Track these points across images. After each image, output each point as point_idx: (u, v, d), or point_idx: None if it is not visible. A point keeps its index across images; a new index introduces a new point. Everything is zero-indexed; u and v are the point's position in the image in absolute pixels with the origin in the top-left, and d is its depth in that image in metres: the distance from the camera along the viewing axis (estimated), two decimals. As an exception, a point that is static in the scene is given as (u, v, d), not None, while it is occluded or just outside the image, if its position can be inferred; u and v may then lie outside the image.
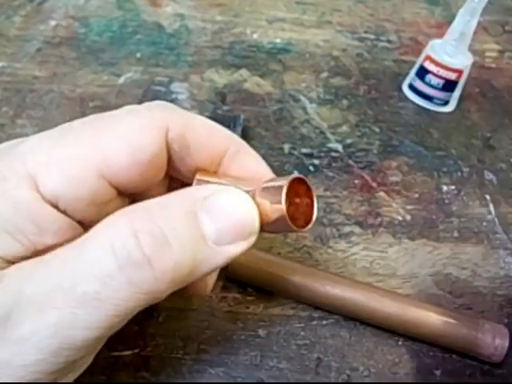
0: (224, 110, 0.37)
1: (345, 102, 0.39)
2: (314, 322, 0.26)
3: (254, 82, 0.39)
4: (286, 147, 0.35)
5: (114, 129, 0.18)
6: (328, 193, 0.32)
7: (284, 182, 0.18)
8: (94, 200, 0.18)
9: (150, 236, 0.16)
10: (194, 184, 0.20)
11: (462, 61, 0.37)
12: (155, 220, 0.17)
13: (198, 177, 0.20)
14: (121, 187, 0.19)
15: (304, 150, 0.35)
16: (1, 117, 0.34)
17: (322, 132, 0.36)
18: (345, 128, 0.37)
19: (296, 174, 0.19)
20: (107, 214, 0.18)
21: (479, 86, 0.41)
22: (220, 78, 0.39)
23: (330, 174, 0.33)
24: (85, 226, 0.18)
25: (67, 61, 0.39)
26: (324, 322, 0.26)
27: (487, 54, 0.44)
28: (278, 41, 0.43)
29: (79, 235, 0.17)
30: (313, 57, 0.42)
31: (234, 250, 0.18)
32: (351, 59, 0.42)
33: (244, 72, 0.40)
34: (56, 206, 0.18)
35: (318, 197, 0.32)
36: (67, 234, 0.18)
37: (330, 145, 0.35)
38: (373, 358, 0.25)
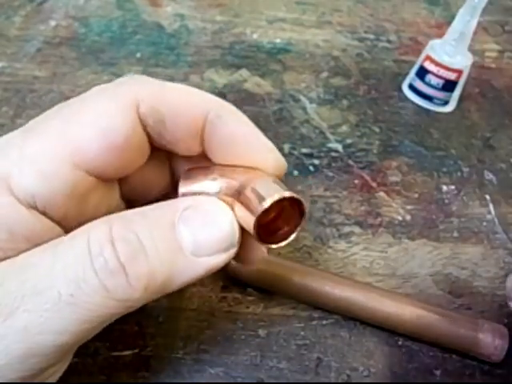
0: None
1: (345, 102, 0.39)
2: (314, 322, 0.26)
3: (253, 82, 0.39)
4: (286, 147, 0.35)
5: (81, 115, 0.18)
6: (328, 193, 0.32)
7: (268, 195, 0.17)
8: (73, 193, 0.17)
9: (126, 244, 0.16)
10: (180, 181, 0.19)
11: (462, 61, 0.37)
12: (133, 228, 0.16)
13: (183, 174, 0.20)
14: (101, 174, 0.18)
15: (304, 150, 0.35)
16: (1, 117, 0.34)
17: (321, 132, 0.36)
18: (345, 128, 0.37)
19: (289, 194, 0.18)
20: (92, 205, 0.18)
21: (479, 86, 0.41)
22: (220, 78, 0.39)
23: (330, 173, 0.33)
24: (67, 226, 0.18)
25: (67, 61, 0.39)
26: (324, 322, 0.26)
27: (487, 54, 0.44)
28: (277, 41, 0.43)
29: (57, 237, 0.17)
30: (313, 57, 0.42)
31: (214, 261, 0.18)
32: (351, 59, 0.42)
33: (244, 72, 0.40)
34: (35, 207, 0.17)
35: (318, 197, 0.32)
36: (45, 237, 0.17)
37: (330, 145, 0.35)
38: (373, 358, 0.25)
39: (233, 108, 0.19)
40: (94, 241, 0.16)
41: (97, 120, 0.17)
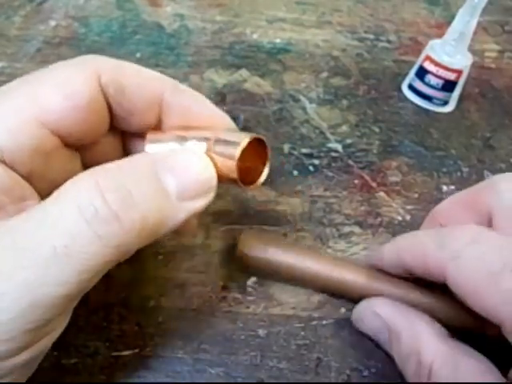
0: (224, 110, 0.36)
1: (345, 101, 0.39)
2: (314, 322, 0.26)
3: (253, 82, 0.39)
4: (286, 147, 0.35)
5: (47, 78, 0.19)
6: (328, 193, 0.32)
7: (239, 140, 0.20)
8: (38, 149, 0.19)
9: (116, 193, 0.17)
10: (146, 143, 0.21)
11: (462, 61, 0.37)
12: (120, 178, 0.17)
13: (148, 135, 0.21)
14: (64, 135, 0.19)
15: (304, 150, 0.35)
16: (1, 117, 0.34)
17: (321, 132, 0.36)
18: (345, 128, 0.37)
19: (255, 135, 0.21)
20: (55, 167, 0.20)
21: (479, 86, 0.41)
22: (220, 78, 0.39)
23: (330, 173, 0.33)
24: (33, 183, 0.19)
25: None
26: (324, 322, 0.26)
27: (487, 54, 0.44)
28: (277, 41, 0.43)
29: (29, 194, 0.18)
30: (313, 57, 0.42)
31: (196, 205, 0.19)
32: (351, 59, 0.42)
33: (244, 72, 0.40)
34: (3, 161, 0.18)
35: (318, 197, 0.32)
36: (15, 189, 0.18)
37: (330, 145, 0.35)
38: (373, 358, 0.25)
39: (180, 84, 0.22)
40: (82, 193, 0.17)
41: (62, 83, 0.19)
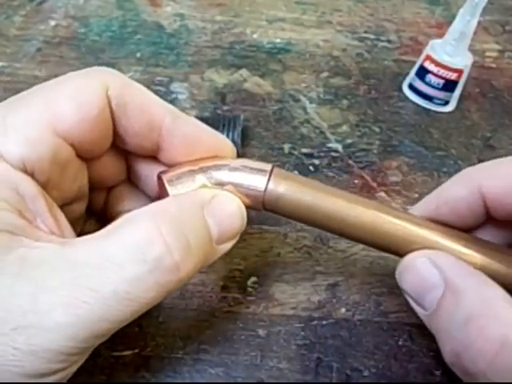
0: (224, 109, 0.37)
1: (345, 101, 0.39)
2: (314, 322, 0.26)
3: (253, 82, 0.39)
4: (286, 147, 0.35)
5: (61, 89, 0.20)
6: (328, 193, 0.32)
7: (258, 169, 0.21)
8: (55, 159, 0.19)
9: (179, 243, 0.18)
10: (165, 184, 0.21)
11: (462, 61, 0.37)
12: (180, 226, 0.18)
13: (164, 176, 0.21)
14: (76, 144, 0.20)
15: (304, 150, 0.35)
16: (1, 117, 0.34)
17: (322, 132, 0.36)
18: (345, 128, 0.37)
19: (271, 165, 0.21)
20: (68, 176, 0.20)
21: (479, 86, 0.41)
22: (220, 77, 0.39)
23: (330, 173, 0.33)
24: (49, 192, 0.20)
25: (67, 61, 0.39)
26: (324, 322, 0.26)
27: (487, 53, 0.44)
28: (278, 41, 0.43)
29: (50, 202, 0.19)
30: (313, 57, 0.42)
31: (228, 246, 0.21)
32: (351, 59, 0.42)
33: (244, 72, 0.40)
34: (25, 171, 0.19)
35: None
36: (36, 198, 0.19)
37: (330, 145, 0.35)
38: (373, 358, 0.25)
39: (183, 114, 0.22)
40: (143, 238, 0.17)
41: (75, 94, 0.20)
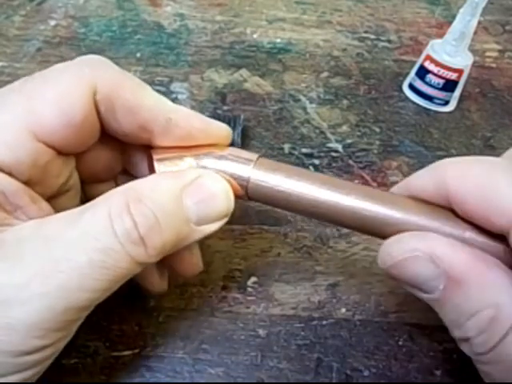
0: (224, 109, 0.37)
1: (345, 101, 0.39)
2: (314, 322, 0.26)
3: (253, 82, 0.39)
4: (286, 147, 0.35)
5: (43, 91, 0.19)
6: (328, 193, 0.32)
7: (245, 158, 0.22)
8: (35, 162, 0.19)
9: (143, 218, 0.18)
10: (154, 161, 0.21)
11: (463, 61, 0.37)
12: (147, 203, 0.19)
13: (154, 155, 0.22)
14: (58, 148, 0.20)
15: (304, 150, 0.35)
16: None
17: (322, 132, 0.36)
18: (345, 128, 0.37)
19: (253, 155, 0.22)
20: (53, 175, 0.20)
21: (479, 86, 0.41)
22: (220, 77, 0.39)
23: (330, 174, 0.33)
24: (33, 187, 0.20)
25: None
26: (324, 322, 0.26)
27: (487, 53, 0.44)
28: (278, 41, 0.43)
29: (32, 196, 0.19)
30: (313, 57, 0.42)
31: (210, 229, 0.21)
32: (351, 59, 0.42)
33: (244, 72, 0.40)
34: (2, 170, 0.19)
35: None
36: (22, 193, 0.19)
37: (330, 145, 0.35)
38: (373, 358, 0.25)
39: (179, 108, 0.22)
40: (114, 214, 0.18)
41: (58, 99, 0.19)
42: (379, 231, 0.21)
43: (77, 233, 0.18)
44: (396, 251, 0.19)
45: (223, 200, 0.21)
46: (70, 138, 0.20)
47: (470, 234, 0.19)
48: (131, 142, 0.22)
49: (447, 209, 0.20)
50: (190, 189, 0.20)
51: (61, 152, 0.20)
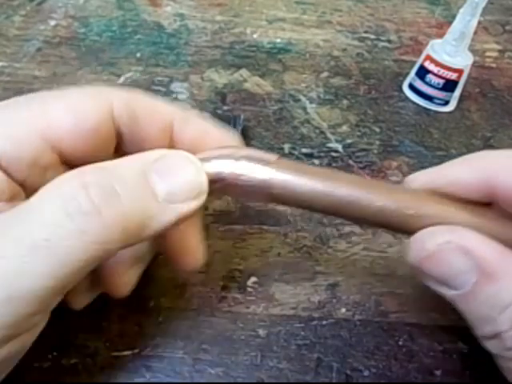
0: (224, 109, 0.37)
1: (345, 101, 0.39)
2: (314, 322, 0.26)
3: (253, 82, 0.39)
4: (286, 147, 0.35)
5: (61, 98, 0.20)
6: (328, 193, 0.32)
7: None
8: (36, 162, 0.19)
9: (99, 187, 0.17)
10: None
11: (463, 60, 0.37)
12: (106, 175, 0.18)
13: None
14: (64, 154, 0.20)
15: (304, 150, 0.35)
16: (1, 117, 0.34)
17: (322, 132, 0.36)
18: (345, 128, 0.37)
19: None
20: (50, 180, 0.19)
21: (479, 86, 0.41)
22: (220, 77, 0.39)
23: (330, 173, 0.33)
24: (27, 190, 0.19)
25: (67, 61, 0.39)
26: (324, 322, 0.26)
27: (487, 53, 0.44)
28: (278, 41, 0.43)
29: (21, 199, 0.19)
30: (313, 57, 0.42)
31: (186, 208, 0.19)
32: (351, 59, 0.42)
33: (244, 72, 0.40)
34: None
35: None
36: (5, 191, 0.19)
37: (330, 145, 0.35)
38: (373, 358, 0.25)
39: (192, 112, 0.23)
40: (66, 188, 0.17)
41: (74, 106, 0.19)
42: (407, 227, 0.20)
43: (23, 214, 0.17)
44: (430, 243, 0.19)
45: (193, 175, 0.19)
46: (79, 146, 0.20)
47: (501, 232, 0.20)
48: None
49: (468, 202, 0.20)
50: (157, 164, 0.19)
51: (66, 161, 0.20)
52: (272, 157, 0.21)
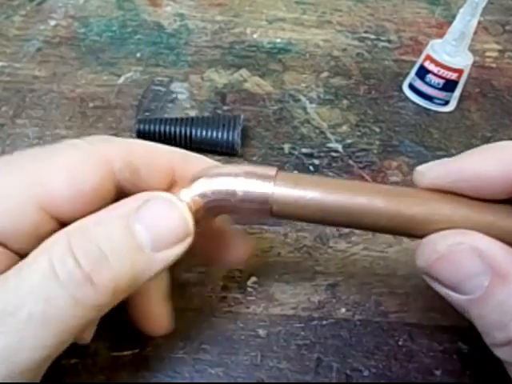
0: (224, 109, 0.37)
1: (345, 101, 0.39)
2: (314, 322, 0.26)
3: (254, 82, 0.39)
4: (286, 147, 0.35)
5: (54, 161, 0.19)
6: (328, 193, 0.32)
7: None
8: (35, 232, 0.18)
9: (86, 254, 0.17)
10: None
11: (463, 60, 0.37)
12: (91, 237, 0.17)
13: None
14: (63, 219, 0.19)
15: (304, 150, 0.35)
16: (1, 117, 0.34)
17: (322, 132, 0.36)
18: (345, 128, 0.37)
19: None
20: None
21: (479, 86, 0.41)
22: (220, 77, 0.39)
23: (330, 174, 0.33)
24: (23, 256, 0.18)
25: (67, 61, 0.39)
26: (324, 322, 0.26)
27: (487, 53, 0.44)
28: (278, 41, 0.43)
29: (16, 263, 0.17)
30: (313, 57, 0.42)
31: (173, 253, 0.18)
32: (351, 59, 0.42)
33: (244, 72, 0.40)
34: None
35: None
36: (3, 264, 0.18)
37: (330, 145, 0.35)
38: (373, 358, 0.25)
39: (189, 153, 0.22)
40: (55, 256, 0.16)
41: (69, 169, 0.18)
42: (415, 233, 0.20)
43: (13, 285, 0.16)
44: (441, 245, 0.19)
45: (177, 219, 0.19)
46: (77, 209, 0.19)
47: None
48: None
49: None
50: (139, 214, 0.18)
51: (64, 222, 0.19)
52: (271, 171, 0.20)
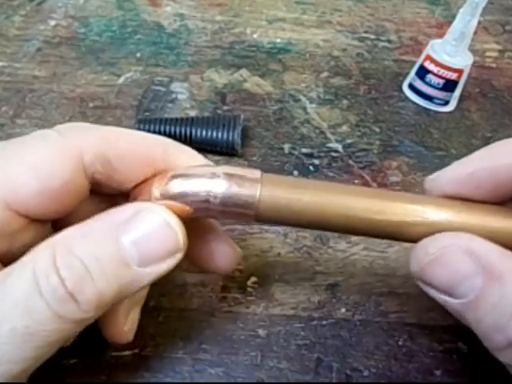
0: (224, 109, 0.37)
1: (345, 101, 0.39)
2: (314, 322, 0.26)
3: (253, 82, 0.39)
4: (286, 147, 0.35)
5: (21, 157, 0.18)
6: (328, 193, 0.32)
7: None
8: (2, 230, 0.18)
9: (70, 270, 0.16)
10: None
11: (463, 61, 0.37)
12: (76, 252, 0.17)
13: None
14: (32, 216, 0.18)
15: (304, 150, 0.35)
16: (0, 117, 0.34)
17: (322, 132, 0.36)
18: (345, 128, 0.37)
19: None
20: (22, 244, 0.18)
21: (479, 86, 0.41)
22: (220, 77, 0.39)
23: (330, 173, 0.33)
24: None
25: (67, 61, 0.39)
26: (324, 322, 0.26)
27: (487, 53, 0.44)
28: (278, 41, 0.43)
29: None
30: (313, 57, 0.42)
31: (160, 268, 0.18)
32: (351, 59, 0.42)
33: (244, 72, 0.40)
34: None
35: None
36: None
37: (330, 145, 0.35)
38: (373, 358, 0.25)
39: (173, 142, 0.21)
40: (39, 271, 0.16)
41: (35, 163, 0.17)
42: (410, 238, 0.20)
43: (1, 295, 0.16)
44: (432, 248, 0.18)
45: (168, 234, 0.18)
46: (47, 206, 0.18)
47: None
48: (127, 189, 0.20)
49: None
50: (127, 227, 0.17)
51: (35, 219, 0.19)
52: (255, 173, 0.19)
